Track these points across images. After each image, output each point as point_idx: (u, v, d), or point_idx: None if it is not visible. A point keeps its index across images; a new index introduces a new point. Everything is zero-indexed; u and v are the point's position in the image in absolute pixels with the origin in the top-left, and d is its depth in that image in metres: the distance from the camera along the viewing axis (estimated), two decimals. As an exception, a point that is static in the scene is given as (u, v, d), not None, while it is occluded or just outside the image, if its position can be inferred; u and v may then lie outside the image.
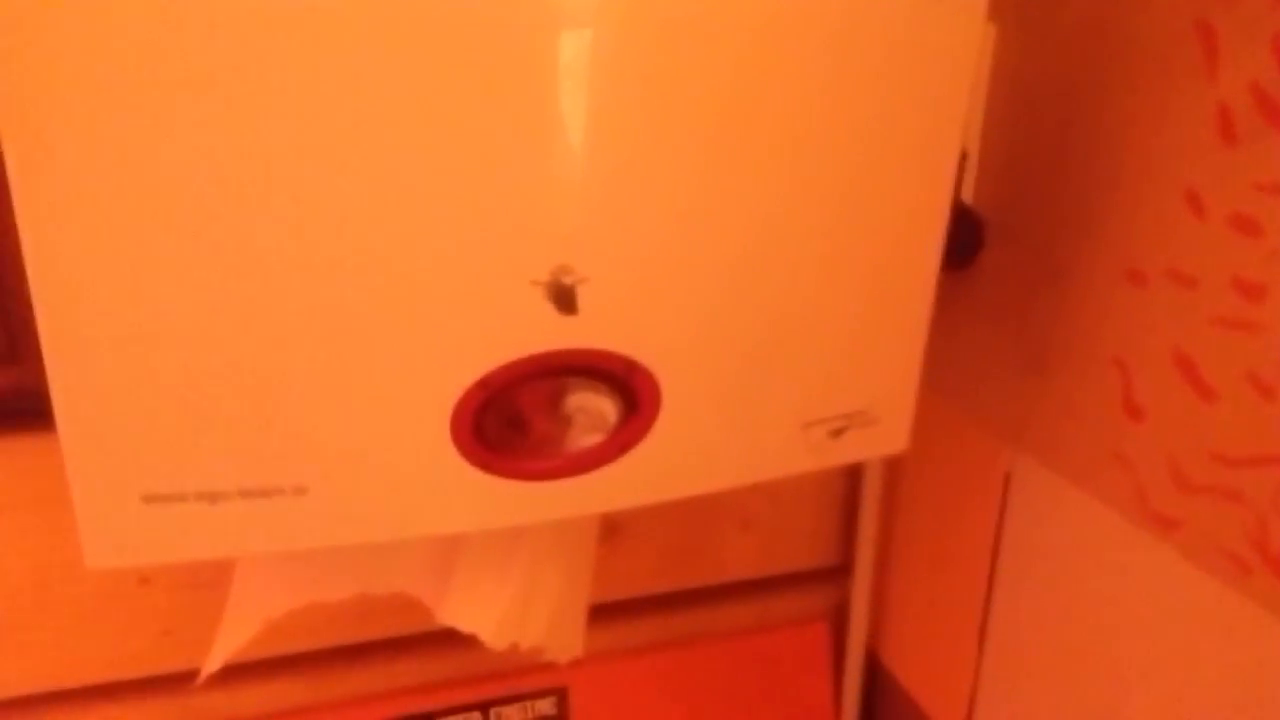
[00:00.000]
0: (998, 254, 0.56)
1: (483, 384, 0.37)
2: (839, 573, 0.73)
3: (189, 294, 0.34)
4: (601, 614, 0.62)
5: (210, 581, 0.61)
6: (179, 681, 0.63)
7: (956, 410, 0.61)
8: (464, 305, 0.35)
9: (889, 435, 0.46)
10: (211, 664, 0.52)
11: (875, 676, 0.74)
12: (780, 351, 0.41)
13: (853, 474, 0.71)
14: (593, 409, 0.39)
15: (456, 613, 0.50)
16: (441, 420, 0.37)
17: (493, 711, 0.67)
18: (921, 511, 0.68)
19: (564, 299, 0.35)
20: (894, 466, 0.69)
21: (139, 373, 0.34)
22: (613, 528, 0.68)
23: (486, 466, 0.38)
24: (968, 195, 0.56)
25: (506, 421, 0.38)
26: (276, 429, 0.36)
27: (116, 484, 0.36)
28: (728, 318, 0.39)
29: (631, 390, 0.39)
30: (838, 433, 0.45)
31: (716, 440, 0.42)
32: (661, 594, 0.73)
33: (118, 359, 0.34)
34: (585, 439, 0.39)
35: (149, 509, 0.36)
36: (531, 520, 0.40)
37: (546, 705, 0.68)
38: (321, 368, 0.35)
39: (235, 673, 0.64)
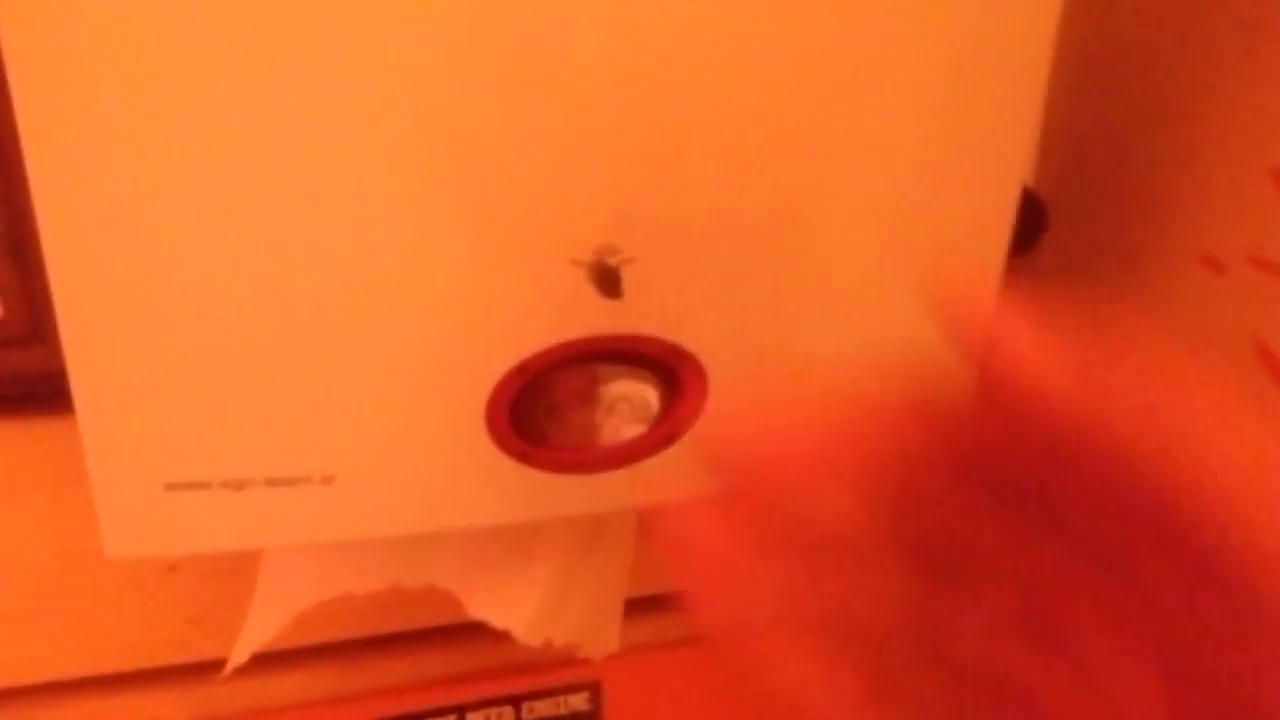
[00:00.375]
0: (1061, 238, 0.53)
1: (520, 370, 0.35)
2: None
3: (213, 273, 0.32)
4: (637, 607, 0.60)
5: (239, 569, 0.60)
6: (206, 670, 0.61)
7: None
8: (501, 286, 0.33)
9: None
10: (238, 655, 0.51)
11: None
12: (837, 343, 0.38)
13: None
14: (635, 398, 0.37)
15: (488, 607, 0.48)
16: (476, 407, 0.35)
17: (524, 706, 0.66)
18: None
19: (608, 281, 0.33)
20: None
21: (160, 354, 0.33)
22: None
23: (522, 457, 0.36)
24: (1027, 175, 0.54)
25: (544, 410, 0.36)
26: (303, 415, 0.34)
27: (137, 471, 0.34)
28: (782, 304, 0.37)
29: (677, 378, 0.37)
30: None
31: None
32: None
33: (138, 340, 0.32)
34: (626, 430, 0.37)
35: (171, 497, 0.35)
36: (567, 514, 0.38)
37: (580, 700, 0.67)
38: (350, 351, 0.34)
39: (261, 662, 0.63)
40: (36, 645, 0.58)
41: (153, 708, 0.61)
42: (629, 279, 0.34)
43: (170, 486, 0.34)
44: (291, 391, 0.34)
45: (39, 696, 0.59)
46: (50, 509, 0.57)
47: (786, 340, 0.38)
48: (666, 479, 0.39)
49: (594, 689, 0.67)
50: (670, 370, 0.37)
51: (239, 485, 0.35)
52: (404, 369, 0.34)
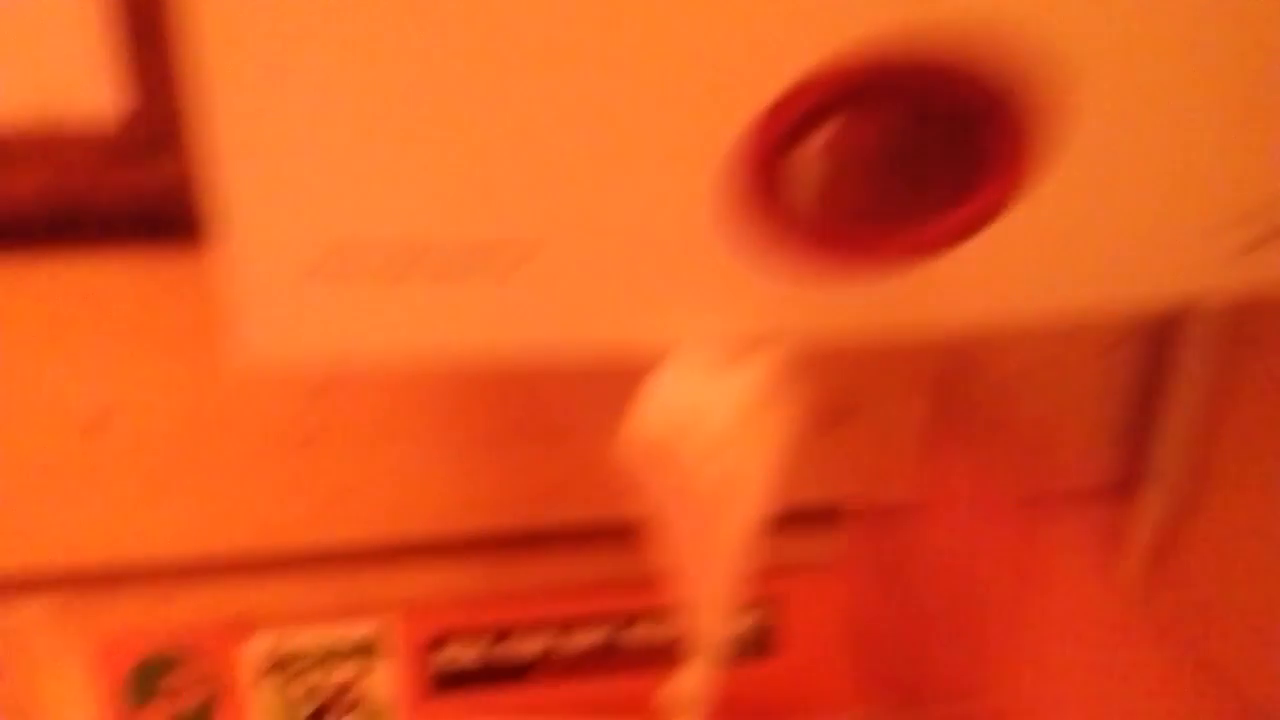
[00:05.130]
0: None
1: (773, 115, 0.25)
2: (1123, 492, 0.59)
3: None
4: (819, 517, 0.50)
5: (379, 441, 0.53)
6: (344, 554, 0.55)
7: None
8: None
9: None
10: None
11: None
12: (1212, 106, 0.28)
13: (1156, 352, 0.56)
14: (927, 162, 0.27)
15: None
16: (711, 169, 0.26)
17: (691, 621, 0.57)
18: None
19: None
20: (1228, 339, 0.54)
21: (316, 90, 0.25)
22: (847, 410, 0.56)
23: (770, 241, 0.27)
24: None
25: (800, 178, 0.27)
26: (488, 173, 0.26)
27: (284, 246, 0.26)
28: (1156, 40, 0.26)
29: (989, 140, 0.27)
30: (1258, 245, 0.31)
31: (1089, 231, 0.29)
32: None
33: (290, 73, 0.24)
34: (911, 207, 0.28)
35: (323, 277, 0.27)
36: (822, 328, 0.29)
37: (753, 617, 0.58)
38: (554, 79, 0.25)
39: (402, 553, 0.56)
40: (159, 521, 0.53)
41: (287, 592, 0.55)
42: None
43: (330, 251, 0.26)
44: (476, 140, 0.25)
45: (167, 575, 0.54)
46: (174, 366, 0.51)
47: (1154, 96, 0.27)
48: (950, 289, 0.29)
49: (770, 605, 0.58)
50: (984, 125, 0.27)
51: (404, 268, 0.27)
52: (625, 107, 0.25)
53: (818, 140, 0.26)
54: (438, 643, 0.56)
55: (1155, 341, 0.57)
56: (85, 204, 0.44)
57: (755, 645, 0.58)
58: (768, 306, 0.27)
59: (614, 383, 0.38)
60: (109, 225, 0.46)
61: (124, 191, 0.45)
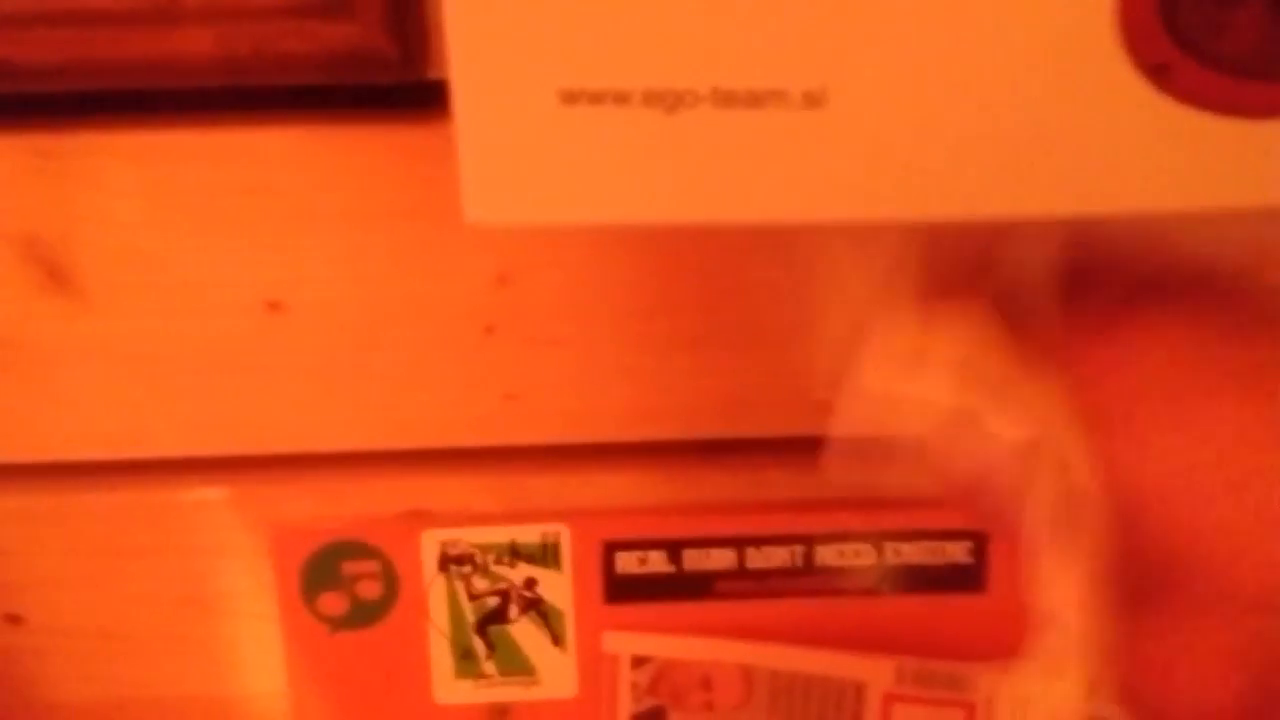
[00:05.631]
0: None
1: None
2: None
3: None
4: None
5: (565, 338, 0.49)
6: (520, 457, 0.52)
7: None
8: None
9: None
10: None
11: None
12: None
13: None
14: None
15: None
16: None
17: (889, 547, 0.52)
18: None
19: None
20: None
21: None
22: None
23: (1178, 82, 0.20)
24: None
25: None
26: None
27: (527, 70, 0.22)
28: None
29: None
30: None
31: None
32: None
33: None
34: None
35: (569, 113, 0.22)
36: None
37: (960, 551, 0.53)
38: None
39: (577, 455, 0.53)
40: (331, 410, 0.51)
41: (459, 494, 0.53)
42: None
43: (570, 96, 0.22)
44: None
45: (336, 468, 0.52)
46: (356, 245, 0.48)
47: None
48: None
49: (980, 540, 0.52)
50: None
51: (669, 100, 0.21)
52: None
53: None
54: (614, 550, 0.53)
55: None
56: (264, 67, 0.41)
57: (965, 577, 0.53)
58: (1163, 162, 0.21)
59: (829, 295, 0.33)
60: (289, 92, 0.43)
61: (305, 54, 0.41)
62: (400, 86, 0.43)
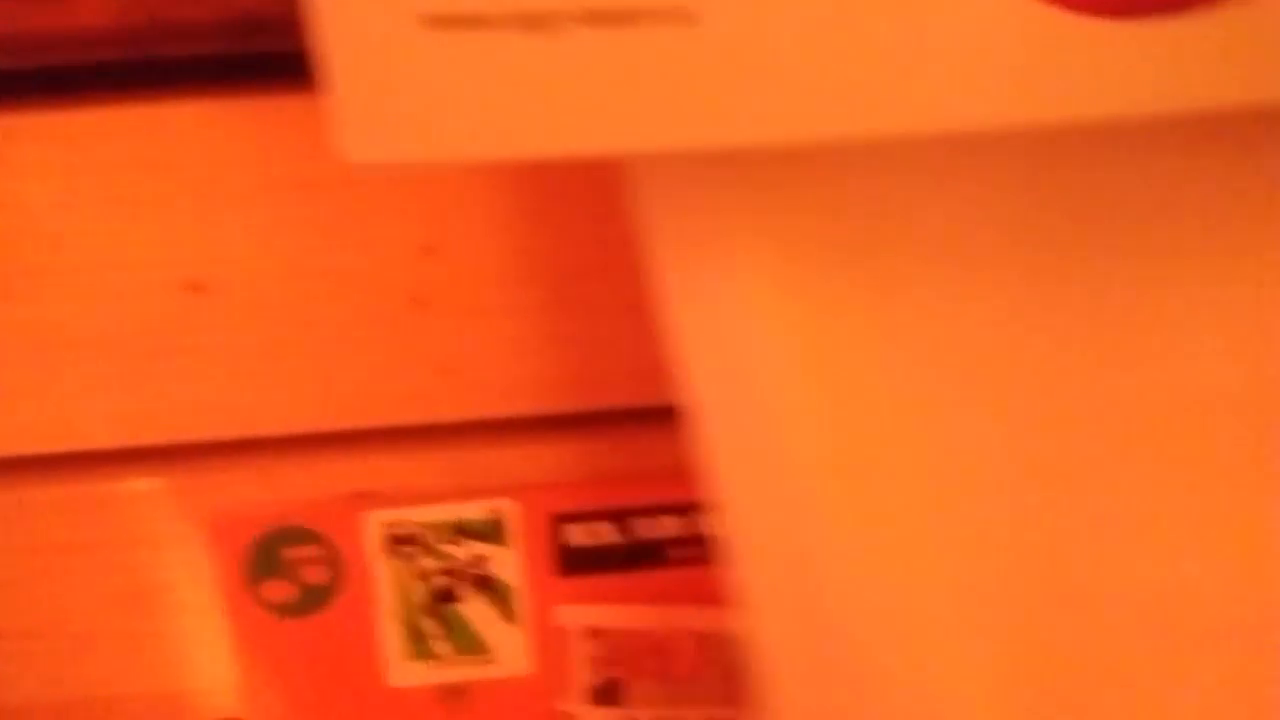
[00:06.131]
0: None
1: None
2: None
3: None
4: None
5: (501, 309, 0.48)
6: (460, 432, 0.52)
7: None
8: None
9: None
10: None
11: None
12: None
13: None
14: None
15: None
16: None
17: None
18: None
19: None
20: None
21: None
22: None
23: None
24: None
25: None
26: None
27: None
28: None
29: None
30: None
31: None
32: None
33: None
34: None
35: (435, 40, 0.21)
36: (1123, 110, 0.21)
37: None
38: None
39: (519, 427, 0.52)
40: (263, 392, 0.50)
41: (401, 473, 0.52)
42: None
43: (435, 21, 0.21)
44: None
45: (273, 452, 0.51)
46: (275, 218, 0.47)
47: None
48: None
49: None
50: None
51: (539, 20, 0.21)
52: None
53: None
54: (563, 523, 0.52)
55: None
56: (161, 37, 0.40)
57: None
58: (1037, 74, 0.20)
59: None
60: (203, 64, 0.42)
61: (203, 21, 0.40)
62: (307, 52, 0.42)
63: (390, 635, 0.53)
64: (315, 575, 0.52)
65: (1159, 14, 0.20)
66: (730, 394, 0.31)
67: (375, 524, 0.51)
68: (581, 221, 0.47)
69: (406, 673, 0.53)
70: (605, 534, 0.52)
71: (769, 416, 0.31)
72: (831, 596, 0.33)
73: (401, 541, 0.51)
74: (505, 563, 0.53)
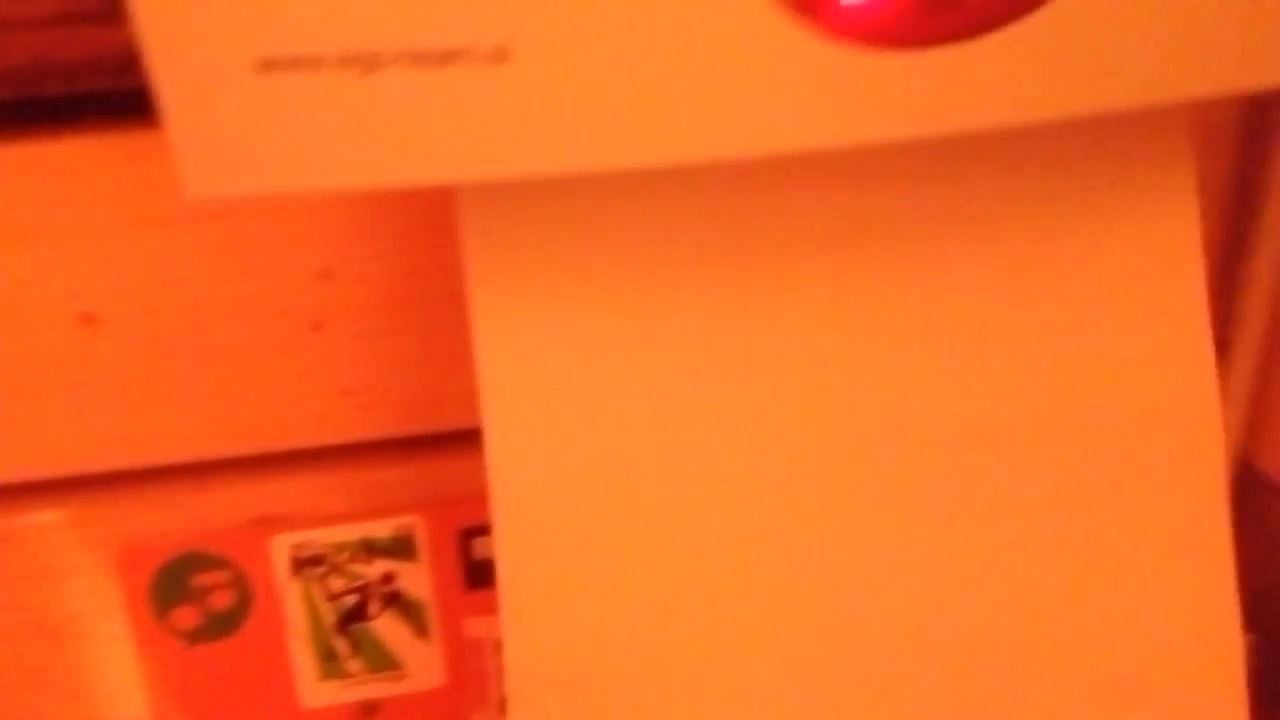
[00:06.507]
0: None
1: None
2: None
3: None
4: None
5: (397, 328, 0.49)
6: (363, 452, 0.52)
7: None
8: None
9: None
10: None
11: (1250, 486, 0.56)
12: None
13: (1239, 202, 0.51)
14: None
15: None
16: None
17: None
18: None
19: None
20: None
21: None
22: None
23: (817, 15, 0.22)
24: None
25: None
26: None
27: (221, 42, 0.22)
28: None
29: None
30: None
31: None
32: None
33: None
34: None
35: (267, 83, 0.22)
36: (871, 134, 0.24)
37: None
38: None
39: (422, 444, 0.53)
40: (164, 421, 0.50)
41: (307, 495, 0.53)
42: None
43: (264, 64, 0.22)
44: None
45: (177, 479, 0.51)
46: (167, 249, 0.47)
47: None
48: (1035, 74, 0.24)
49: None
50: None
51: (364, 62, 0.22)
52: None
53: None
54: (471, 536, 0.53)
55: (1236, 203, 0.51)
56: (43, 76, 0.41)
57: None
58: (804, 97, 0.22)
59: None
60: (84, 98, 0.43)
61: (83, 60, 0.41)
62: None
63: (301, 656, 0.53)
64: (223, 600, 0.52)
65: (926, 45, 0.22)
66: (518, 413, 0.34)
67: (282, 547, 0.52)
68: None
69: (319, 693, 0.54)
70: (513, 546, 0.54)
71: (551, 435, 0.33)
72: (598, 616, 0.35)
73: (309, 563, 0.52)
74: (415, 579, 0.54)
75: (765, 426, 0.31)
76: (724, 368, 0.30)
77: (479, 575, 0.53)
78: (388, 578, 0.53)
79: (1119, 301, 0.31)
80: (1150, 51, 0.24)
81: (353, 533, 0.52)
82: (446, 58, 0.22)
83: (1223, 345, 0.54)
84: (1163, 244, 0.31)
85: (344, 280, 0.47)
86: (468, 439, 0.52)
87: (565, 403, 0.33)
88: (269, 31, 0.22)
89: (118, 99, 0.43)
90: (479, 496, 0.53)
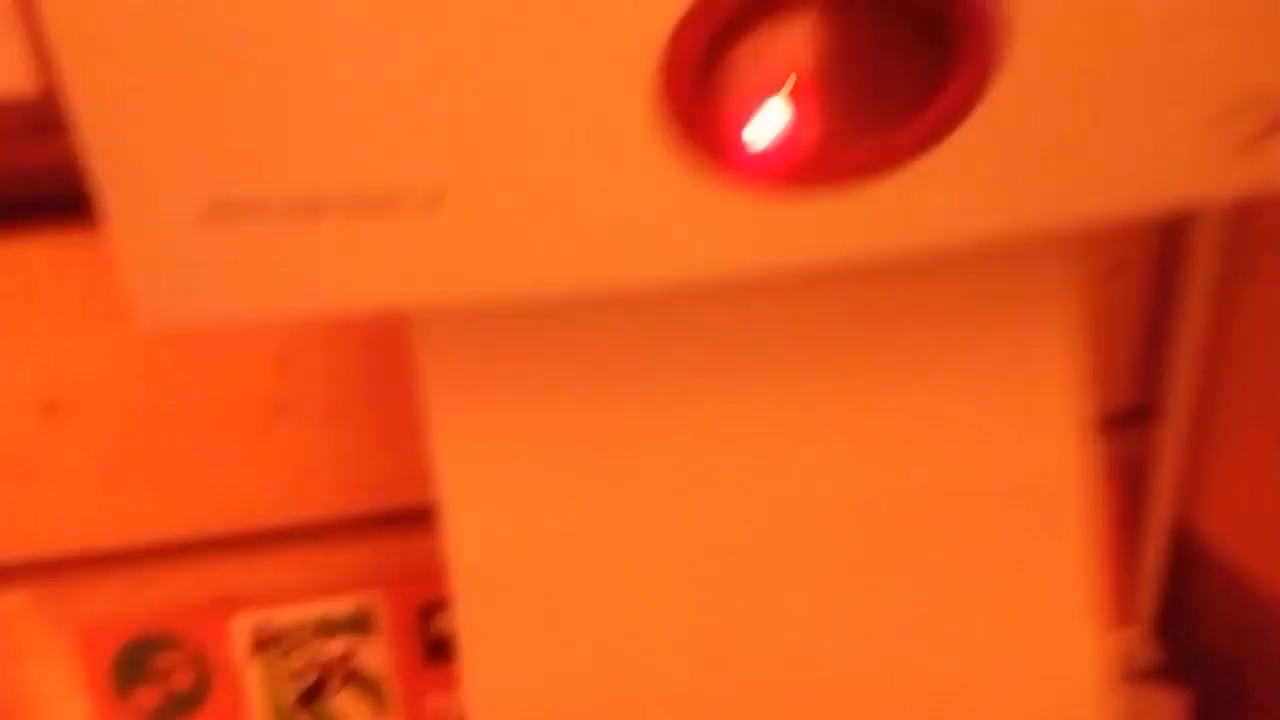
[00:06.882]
0: None
1: (706, 6, 0.22)
2: (1138, 417, 0.56)
3: None
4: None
5: (354, 409, 0.51)
6: (323, 531, 0.53)
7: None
8: None
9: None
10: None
11: (1185, 545, 0.57)
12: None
13: (1163, 273, 0.53)
14: (889, 61, 0.24)
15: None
16: (643, 75, 0.23)
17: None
18: (1275, 323, 0.49)
19: None
20: (1229, 258, 0.51)
21: (194, 16, 0.22)
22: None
23: (713, 157, 0.24)
24: None
25: (746, 82, 0.24)
26: (394, 93, 0.23)
27: (169, 194, 0.24)
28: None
29: (952, 35, 0.23)
30: (1260, 138, 0.28)
31: (1075, 133, 0.26)
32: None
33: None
34: (879, 118, 0.24)
35: (214, 229, 0.24)
36: (772, 267, 0.26)
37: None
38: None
39: (382, 522, 0.54)
40: (128, 504, 0.51)
41: (268, 574, 0.53)
42: None
43: (213, 211, 0.24)
44: (383, 55, 0.22)
45: (139, 561, 0.52)
46: (127, 341, 0.49)
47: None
48: (926, 209, 0.26)
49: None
50: (944, 21, 0.23)
51: (307, 208, 0.24)
52: (540, 20, 0.22)
53: (759, 46, 0.23)
54: (430, 612, 0.54)
55: (1160, 261, 0.54)
56: (11, 178, 0.42)
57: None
58: (711, 233, 0.24)
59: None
60: (45, 201, 0.44)
61: (52, 166, 0.42)
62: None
63: (263, 735, 0.54)
64: (183, 680, 0.52)
65: (823, 187, 0.24)
66: (473, 493, 0.36)
67: (242, 626, 0.52)
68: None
69: (281, 771, 0.54)
70: (472, 621, 0.54)
71: (505, 514, 0.36)
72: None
73: (269, 642, 0.53)
74: (374, 655, 0.54)
75: (687, 510, 0.34)
76: (651, 456, 0.34)
77: (439, 650, 0.54)
78: (347, 655, 0.53)
79: (996, 397, 0.34)
80: (1034, 183, 0.26)
81: (313, 611, 0.53)
82: (383, 204, 0.24)
83: (1156, 413, 0.56)
84: (1034, 347, 0.34)
85: (302, 366, 0.49)
86: (426, 516, 0.53)
87: (517, 484, 0.35)
88: (216, 181, 0.23)
89: (78, 199, 0.44)
90: (438, 572, 0.54)
